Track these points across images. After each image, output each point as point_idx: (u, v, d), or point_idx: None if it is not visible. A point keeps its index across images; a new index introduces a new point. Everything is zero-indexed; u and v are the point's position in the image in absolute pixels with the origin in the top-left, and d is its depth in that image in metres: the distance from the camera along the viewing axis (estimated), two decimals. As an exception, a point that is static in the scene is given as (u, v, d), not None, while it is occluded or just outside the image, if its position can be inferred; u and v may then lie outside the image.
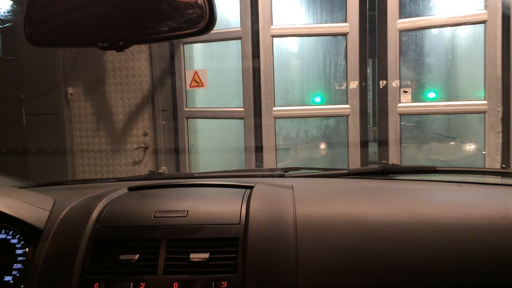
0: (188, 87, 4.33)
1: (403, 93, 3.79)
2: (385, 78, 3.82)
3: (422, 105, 3.80)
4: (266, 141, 3.91)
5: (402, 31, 3.77)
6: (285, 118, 4.04)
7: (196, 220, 1.15)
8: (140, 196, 1.33)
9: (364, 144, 4.08)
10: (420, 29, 3.77)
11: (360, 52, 3.99)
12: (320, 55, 4.23)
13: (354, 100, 3.98)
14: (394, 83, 3.77)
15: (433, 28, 3.76)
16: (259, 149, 3.92)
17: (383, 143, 3.90)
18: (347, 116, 4.02)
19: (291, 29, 3.96)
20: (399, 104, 3.81)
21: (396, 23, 3.75)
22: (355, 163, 4.02)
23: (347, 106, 4.00)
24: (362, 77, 4.01)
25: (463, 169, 1.73)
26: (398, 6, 3.72)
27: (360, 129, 4.04)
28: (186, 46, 4.38)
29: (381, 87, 3.86)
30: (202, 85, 4.26)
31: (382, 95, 3.88)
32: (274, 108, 3.92)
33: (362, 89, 4.01)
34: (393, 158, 3.85)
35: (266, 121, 3.91)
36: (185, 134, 4.40)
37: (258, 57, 3.89)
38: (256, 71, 3.91)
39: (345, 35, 3.99)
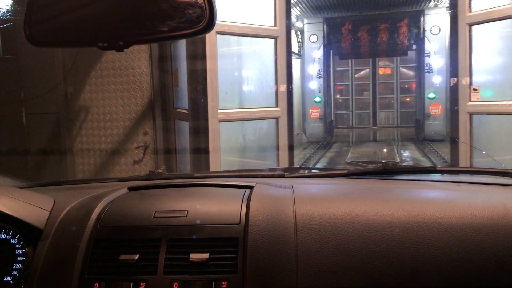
0: (174, 87, 4.31)
1: (473, 91, 3.58)
2: (456, 76, 3.67)
3: (494, 104, 3.57)
4: (212, 144, 3.80)
5: (473, 25, 3.53)
6: (229, 121, 3.97)
7: (196, 220, 1.15)
8: (140, 196, 1.33)
9: (291, 147, 4.09)
10: (492, 21, 3.51)
11: (287, 56, 3.98)
12: (259, 57, 4.24)
13: (283, 102, 3.98)
14: (464, 81, 3.59)
15: (506, 19, 3.46)
16: (204, 151, 3.83)
17: (453, 142, 3.79)
18: (278, 118, 4.00)
19: (231, 26, 3.86)
20: (469, 103, 3.62)
21: (465, 17, 3.52)
22: (284, 163, 4.04)
23: (278, 108, 4.01)
24: (289, 81, 4.02)
25: (463, 169, 1.73)
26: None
27: (288, 130, 4.04)
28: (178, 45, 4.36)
29: (451, 84, 3.73)
30: (177, 85, 4.23)
31: (453, 93, 3.75)
32: (219, 111, 3.82)
33: (289, 92, 4.01)
34: (463, 158, 3.72)
35: (211, 124, 3.80)
36: (174, 134, 4.39)
37: (204, 55, 3.73)
38: (201, 71, 3.75)
39: (275, 38, 3.97)
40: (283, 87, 4.00)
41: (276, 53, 4.01)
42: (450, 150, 4.05)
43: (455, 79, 3.67)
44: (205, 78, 3.74)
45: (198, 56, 3.77)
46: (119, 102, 4.27)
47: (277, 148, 4.09)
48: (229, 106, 4.07)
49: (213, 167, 3.78)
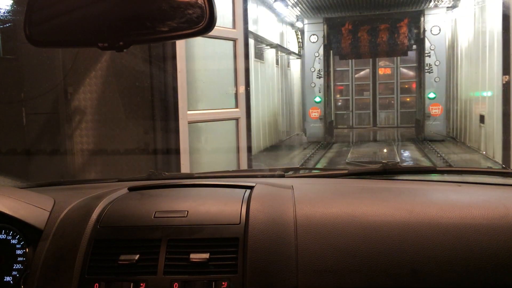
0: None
1: None
2: (508, 73, 3.60)
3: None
4: (182, 144, 3.79)
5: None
6: (195, 122, 3.98)
7: (196, 220, 1.15)
8: (140, 196, 1.33)
9: (249, 149, 4.18)
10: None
11: (245, 57, 4.02)
12: (221, 59, 4.28)
13: (243, 103, 4.06)
14: None
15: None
16: (174, 152, 3.83)
17: (507, 146, 3.70)
18: (238, 119, 4.07)
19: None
20: None
21: None
22: (243, 164, 4.09)
23: (237, 109, 4.08)
24: (247, 82, 4.09)
25: (463, 169, 1.73)
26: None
27: (246, 130, 4.12)
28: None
29: (504, 82, 3.64)
30: None
31: (505, 92, 3.65)
32: (189, 112, 3.82)
33: (247, 93, 4.10)
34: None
35: (181, 125, 3.80)
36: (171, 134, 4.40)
37: (175, 56, 3.71)
38: (171, 72, 3.74)
39: (234, 40, 4.00)
40: (242, 89, 4.06)
41: (235, 55, 4.07)
42: (502, 152, 3.98)
43: (507, 76, 3.57)
44: (175, 79, 3.75)
45: (168, 57, 3.77)
46: (119, 102, 4.27)
47: (237, 149, 4.14)
48: (194, 107, 4.12)
49: (184, 168, 3.80)
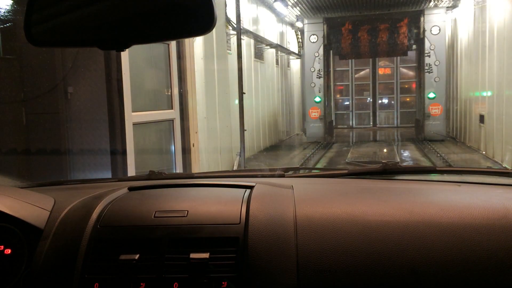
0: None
1: None
2: None
3: None
4: (129, 145, 3.84)
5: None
6: (141, 124, 4.03)
7: (196, 220, 1.15)
8: (140, 196, 1.33)
9: (186, 150, 4.23)
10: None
11: (177, 59, 4.12)
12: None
13: (176, 104, 4.18)
14: None
15: None
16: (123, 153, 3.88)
17: None
18: (173, 120, 4.14)
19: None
20: None
21: None
22: (179, 166, 4.15)
23: (172, 110, 4.18)
24: (180, 84, 4.20)
25: (463, 169, 1.73)
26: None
27: (182, 131, 4.22)
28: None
29: None
30: None
31: None
32: (133, 114, 3.87)
33: (180, 95, 4.20)
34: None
35: (128, 127, 3.86)
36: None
37: (119, 56, 3.76)
38: (115, 74, 3.78)
39: (167, 44, 4.09)
40: (176, 90, 4.15)
41: (169, 58, 4.20)
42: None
43: None
44: (120, 80, 3.79)
45: (112, 59, 3.82)
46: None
47: (174, 150, 4.19)
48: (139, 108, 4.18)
49: (130, 168, 3.84)
